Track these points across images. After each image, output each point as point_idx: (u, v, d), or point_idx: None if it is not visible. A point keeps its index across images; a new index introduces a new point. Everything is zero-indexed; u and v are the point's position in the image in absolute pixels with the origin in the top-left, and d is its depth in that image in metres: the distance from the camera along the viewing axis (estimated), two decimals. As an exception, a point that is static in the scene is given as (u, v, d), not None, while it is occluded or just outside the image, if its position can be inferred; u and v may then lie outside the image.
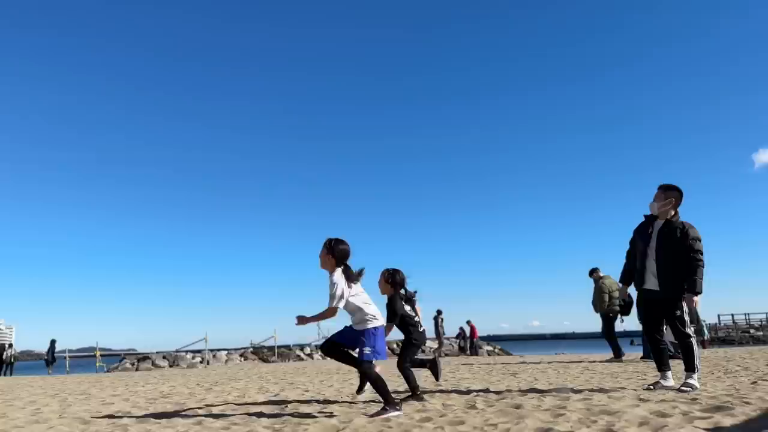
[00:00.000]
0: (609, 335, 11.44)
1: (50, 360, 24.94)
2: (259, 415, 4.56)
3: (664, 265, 5.27)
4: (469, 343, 23.14)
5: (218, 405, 5.49)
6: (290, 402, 5.46)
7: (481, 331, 24.66)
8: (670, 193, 5.38)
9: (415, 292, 5.51)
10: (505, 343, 43.95)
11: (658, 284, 5.32)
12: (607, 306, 11.38)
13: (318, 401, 5.46)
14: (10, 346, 24.68)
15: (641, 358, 10.78)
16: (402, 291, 5.29)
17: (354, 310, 4.36)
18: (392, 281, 5.18)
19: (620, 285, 6.09)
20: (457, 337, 24.58)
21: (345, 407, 4.82)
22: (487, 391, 5.65)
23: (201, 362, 26.12)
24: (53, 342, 25.41)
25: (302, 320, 4.39)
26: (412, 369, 5.18)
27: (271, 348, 28.66)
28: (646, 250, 5.42)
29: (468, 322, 23.46)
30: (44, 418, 4.95)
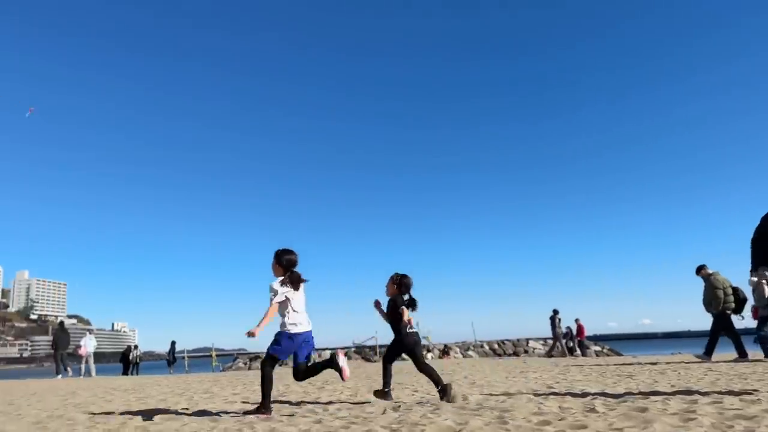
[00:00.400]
0: (729, 333, 10.79)
1: (171, 360, 26.65)
2: (375, 414, 4.65)
3: None
4: (576, 343, 22.35)
5: (333, 404, 5.67)
6: (402, 402, 5.54)
7: (587, 331, 23.72)
8: None
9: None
10: (614, 342, 42.09)
11: None
12: (722, 303, 10.67)
13: (429, 402, 5.49)
14: (136, 347, 26.60)
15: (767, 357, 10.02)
16: (405, 296, 5.64)
17: (281, 314, 4.83)
18: (398, 284, 5.63)
19: (755, 272, 5.68)
20: (564, 337, 23.79)
21: (457, 408, 4.81)
22: (604, 393, 5.44)
23: (307, 362, 26.98)
24: (173, 343, 27.14)
25: (251, 332, 4.63)
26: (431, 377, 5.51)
27: (372, 347, 29.13)
28: None
29: (576, 321, 22.68)
30: (177, 415, 5.31)
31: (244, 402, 6.31)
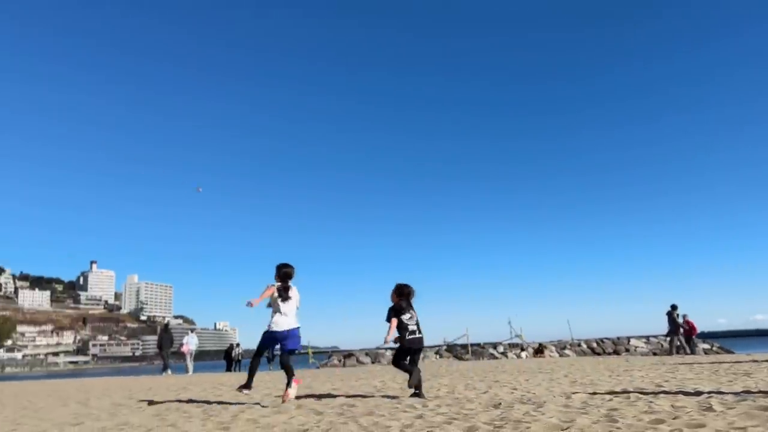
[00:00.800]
0: None
1: (270, 357, 27.65)
2: (476, 411, 4.63)
3: None
4: (685, 340, 21.11)
5: (432, 400, 5.68)
6: (501, 399, 5.47)
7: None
8: None
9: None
10: (723, 340, 39.41)
11: None
12: None
13: (530, 399, 5.39)
14: (238, 345, 27.82)
15: None
16: (405, 302, 6.17)
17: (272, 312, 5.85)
18: (398, 292, 6.22)
19: None
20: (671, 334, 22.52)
21: (560, 407, 4.69)
22: (720, 392, 5.13)
23: (400, 360, 27.12)
24: (272, 341, 28.13)
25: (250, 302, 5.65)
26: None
27: (464, 346, 28.89)
28: None
29: (684, 317, 21.45)
30: (284, 408, 5.52)
31: (346, 396, 6.46)
